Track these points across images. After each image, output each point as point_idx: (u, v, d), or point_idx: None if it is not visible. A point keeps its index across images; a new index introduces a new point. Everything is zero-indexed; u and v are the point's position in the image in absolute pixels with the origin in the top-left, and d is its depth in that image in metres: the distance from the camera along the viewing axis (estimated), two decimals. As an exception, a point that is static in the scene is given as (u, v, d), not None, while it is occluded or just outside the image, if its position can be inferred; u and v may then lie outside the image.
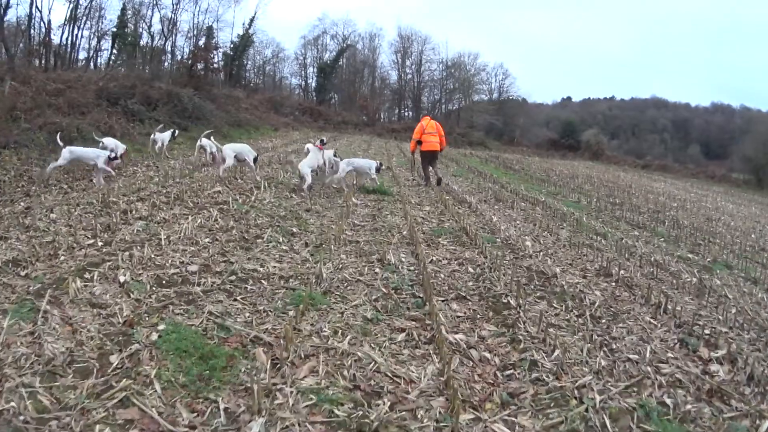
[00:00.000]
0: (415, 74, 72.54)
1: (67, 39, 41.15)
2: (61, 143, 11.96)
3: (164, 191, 10.92)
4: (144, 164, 15.04)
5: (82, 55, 45.24)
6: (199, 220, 8.62)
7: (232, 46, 57.48)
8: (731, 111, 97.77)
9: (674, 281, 8.34)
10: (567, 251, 9.67)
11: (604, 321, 6.15)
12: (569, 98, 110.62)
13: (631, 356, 5.23)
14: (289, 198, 11.89)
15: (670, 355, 5.37)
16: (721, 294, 7.90)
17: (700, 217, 18.85)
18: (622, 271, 8.22)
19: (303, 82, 71.63)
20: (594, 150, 65.57)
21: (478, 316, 5.95)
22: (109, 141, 14.42)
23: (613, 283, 7.73)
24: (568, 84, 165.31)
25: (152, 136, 17.92)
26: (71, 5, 39.90)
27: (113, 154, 12.40)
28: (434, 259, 8.11)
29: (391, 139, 43.37)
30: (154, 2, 47.79)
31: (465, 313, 6.01)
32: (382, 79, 73.94)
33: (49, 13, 43.77)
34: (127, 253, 6.62)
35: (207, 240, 7.68)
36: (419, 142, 16.54)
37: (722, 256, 11.36)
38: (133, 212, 8.93)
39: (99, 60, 46.08)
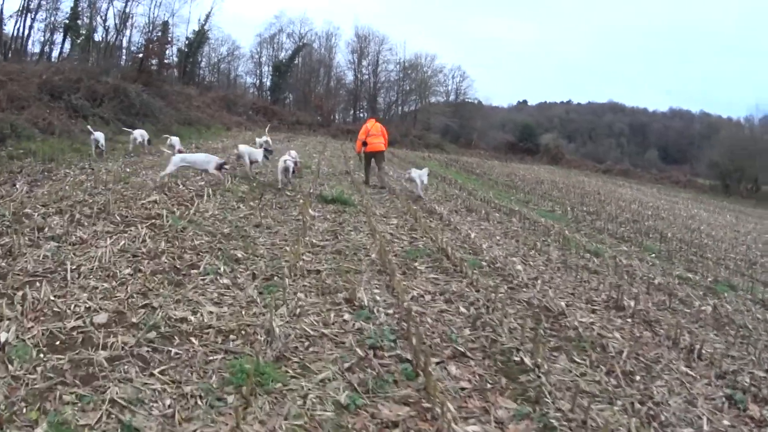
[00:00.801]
0: (372, 75, 71.64)
1: (19, 30, 40.48)
2: (169, 151, 12.90)
3: (91, 200, 9.14)
4: (79, 166, 13.28)
5: (38, 48, 44.70)
6: (123, 242, 6.87)
7: (186, 42, 56.63)
8: (690, 116, 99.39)
9: (688, 311, 7.48)
10: (563, 276, 8.42)
11: (638, 378, 4.95)
12: (525, 102, 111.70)
13: (685, 431, 4.16)
14: (235, 209, 10.15)
15: (725, 422, 4.38)
16: (740, 325, 7.10)
17: (680, 227, 18.42)
18: (632, 302, 7.06)
19: (258, 81, 70.33)
20: (553, 154, 66.17)
21: (488, 385, 4.42)
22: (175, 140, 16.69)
23: (629, 320, 6.56)
24: (524, 87, 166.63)
25: (168, 141, 17.41)
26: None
27: (223, 161, 12.65)
28: (415, 294, 6.55)
29: (347, 141, 41.78)
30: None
31: (470, 381, 4.46)
32: (338, 79, 72.84)
33: (3, 2, 41.55)
34: (20, 293, 4.95)
35: (128, 271, 5.95)
36: (365, 143, 16.84)
37: (720, 273, 10.76)
38: (46, 229, 7.18)
39: (53, 53, 45.15)
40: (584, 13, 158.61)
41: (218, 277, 6.19)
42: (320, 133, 47.57)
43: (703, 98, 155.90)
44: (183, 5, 61.31)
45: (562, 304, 6.69)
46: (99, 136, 15.60)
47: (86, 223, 7.69)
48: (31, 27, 42.37)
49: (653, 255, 11.59)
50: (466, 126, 70.76)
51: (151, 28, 50.35)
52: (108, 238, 6.97)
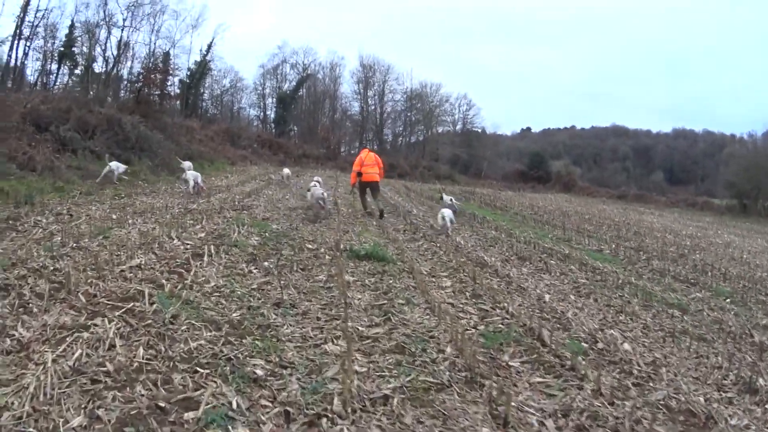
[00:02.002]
0: (378, 105, 70.04)
1: (12, 57, 39.18)
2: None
3: (52, 267, 6.82)
4: (55, 211, 11.11)
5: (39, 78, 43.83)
6: (80, 350, 4.43)
7: (188, 73, 55.38)
8: (694, 135, 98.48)
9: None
10: (674, 351, 6.78)
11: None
12: (529, 129, 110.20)
13: None
14: (246, 275, 7.71)
15: None
16: None
17: (726, 258, 17.15)
18: (761, 380, 5.87)
19: (262, 114, 68.54)
20: (565, 181, 64.36)
21: None
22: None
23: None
24: (526, 114, 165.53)
25: (184, 175, 17.53)
26: (17, 20, 37.95)
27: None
28: (534, 423, 4.26)
29: (358, 174, 39.41)
30: (105, 20, 45.36)
31: None
32: (344, 110, 71.24)
33: (-5, 29, 40.17)
34: None
35: (78, 421, 3.51)
36: (359, 174, 16.63)
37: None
38: (-23, 320, 4.83)
39: (52, 83, 43.67)
40: (582, 38, 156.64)
41: (230, 427, 3.69)
42: (328, 167, 45.08)
43: (705, 116, 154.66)
44: (184, 35, 59.37)
45: (702, 400, 5.22)
46: (114, 165, 16.62)
47: (36, 309, 5.32)
48: (26, 54, 41.23)
49: (728, 300, 10.30)
50: (474, 155, 69.64)
51: (152, 58, 48.75)
52: (62, 342, 4.60)
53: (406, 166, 52.98)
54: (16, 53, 39.15)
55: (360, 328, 6.05)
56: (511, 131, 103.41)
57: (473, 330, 6.44)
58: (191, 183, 16.29)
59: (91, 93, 38.25)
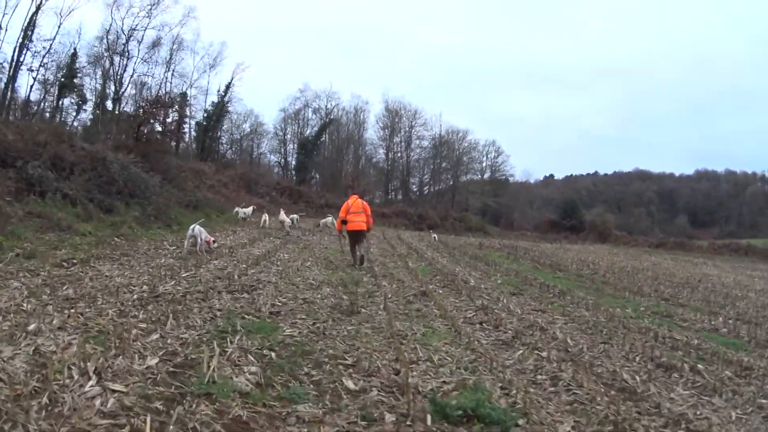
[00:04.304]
0: (404, 152, 69.08)
1: (8, 86, 38.96)
2: None
3: None
4: None
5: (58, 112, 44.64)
6: None
7: (205, 115, 55.13)
8: (716, 176, 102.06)
9: None
10: None
11: None
12: (552, 176, 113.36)
13: None
14: None
15: None
16: None
17: None
18: None
19: (282, 159, 67.88)
20: (600, 230, 63.89)
21: None
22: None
23: None
24: (549, 161, 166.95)
25: (190, 231, 14.73)
26: (16, 46, 37.87)
27: None
28: None
29: (387, 227, 35.35)
30: (109, 51, 45.22)
31: None
32: (368, 157, 70.64)
33: (-5, 55, 37.91)
34: None
35: None
36: (344, 222, 15.85)
37: None
38: None
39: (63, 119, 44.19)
40: (604, 83, 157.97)
41: None
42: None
43: (728, 156, 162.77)
44: (202, 74, 56.68)
45: None
46: (197, 230, 14.42)
47: None
48: (31, 87, 41.40)
49: None
50: (504, 205, 69.92)
51: (165, 95, 47.10)
52: None
53: (435, 218, 51.10)
54: (13, 83, 38.77)
55: None
56: (534, 179, 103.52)
57: None
58: (200, 240, 14.54)
59: (110, 135, 36.60)
